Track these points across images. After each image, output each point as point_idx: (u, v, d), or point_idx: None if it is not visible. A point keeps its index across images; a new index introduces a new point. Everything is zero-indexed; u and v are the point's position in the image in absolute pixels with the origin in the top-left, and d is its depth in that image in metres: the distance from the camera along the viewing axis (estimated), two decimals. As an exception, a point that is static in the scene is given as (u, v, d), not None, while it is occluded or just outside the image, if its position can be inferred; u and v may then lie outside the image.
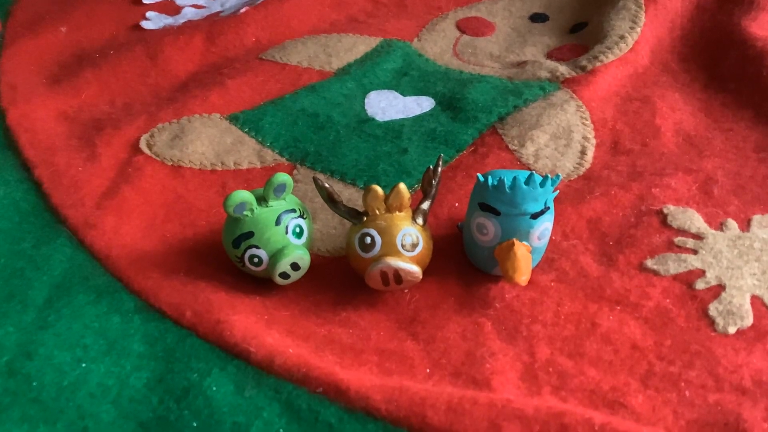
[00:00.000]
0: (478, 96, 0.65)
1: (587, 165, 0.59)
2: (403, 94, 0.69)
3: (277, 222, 0.47)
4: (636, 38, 0.70)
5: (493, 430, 0.38)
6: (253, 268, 0.47)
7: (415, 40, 0.77)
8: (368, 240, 0.46)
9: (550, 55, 0.73)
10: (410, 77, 0.71)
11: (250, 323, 0.45)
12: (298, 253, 0.46)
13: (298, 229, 0.48)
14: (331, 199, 0.48)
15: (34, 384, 0.42)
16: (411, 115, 0.65)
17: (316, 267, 0.50)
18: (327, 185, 0.48)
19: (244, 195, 0.46)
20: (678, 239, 0.51)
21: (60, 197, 0.56)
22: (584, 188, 0.56)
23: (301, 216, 0.48)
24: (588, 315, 0.46)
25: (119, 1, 0.86)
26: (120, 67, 0.73)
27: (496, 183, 0.46)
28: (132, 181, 0.58)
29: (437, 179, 0.49)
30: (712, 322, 0.45)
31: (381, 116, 0.65)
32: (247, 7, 0.80)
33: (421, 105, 0.67)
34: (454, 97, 0.66)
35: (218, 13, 0.83)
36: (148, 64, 0.73)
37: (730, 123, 0.62)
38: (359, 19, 0.81)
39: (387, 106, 0.67)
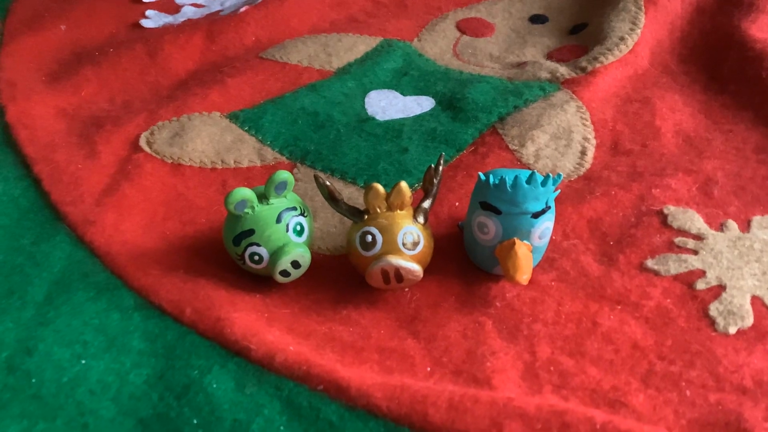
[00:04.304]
0: (479, 96, 0.65)
1: (587, 165, 0.59)
2: (403, 93, 0.68)
3: (278, 220, 0.47)
4: (636, 40, 0.70)
5: (494, 429, 0.38)
6: (253, 265, 0.47)
7: (415, 40, 0.77)
8: (369, 238, 0.46)
9: (550, 56, 0.73)
10: (410, 77, 0.71)
11: (251, 321, 0.45)
12: (299, 251, 0.46)
13: (298, 227, 0.48)
14: (332, 197, 0.48)
15: (34, 380, 0.42)
16: (411, 115, 0.65)
17: (317, 265, 0.50)
18: (328, 183, 0.48)
19: (245, 192, 0.46)
20: (678, 239, 0.51)
21: (59, 194, 0.56)
22: (584, 188, 0.56)
23: (302, 214, 0.48)
24: (589, 314, 0.46)
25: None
26: (120, 65, 0.73)
27: (497, 182, 0.46)
28: (132, 179, 0.58)
29: (439, 178, 0.49)
30: (712, 322, 0.45)
31: (381, 115, 0.65)
32: (247, 6, 0.80)
33: (421, 105, 0.67)
34: (454, 96, 0.66)
35: (218, 11, 0.83)
36: (147, 62, 0.73)
37: (730, 124, 0.62)
38: (359, 19, 0.81)
39: (387, 105, 0.67)
